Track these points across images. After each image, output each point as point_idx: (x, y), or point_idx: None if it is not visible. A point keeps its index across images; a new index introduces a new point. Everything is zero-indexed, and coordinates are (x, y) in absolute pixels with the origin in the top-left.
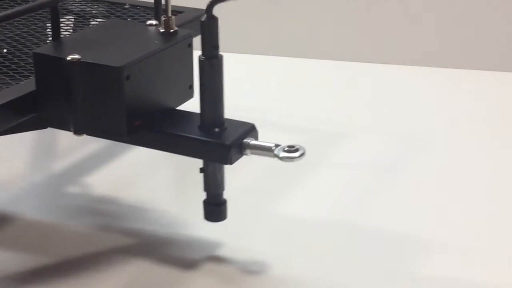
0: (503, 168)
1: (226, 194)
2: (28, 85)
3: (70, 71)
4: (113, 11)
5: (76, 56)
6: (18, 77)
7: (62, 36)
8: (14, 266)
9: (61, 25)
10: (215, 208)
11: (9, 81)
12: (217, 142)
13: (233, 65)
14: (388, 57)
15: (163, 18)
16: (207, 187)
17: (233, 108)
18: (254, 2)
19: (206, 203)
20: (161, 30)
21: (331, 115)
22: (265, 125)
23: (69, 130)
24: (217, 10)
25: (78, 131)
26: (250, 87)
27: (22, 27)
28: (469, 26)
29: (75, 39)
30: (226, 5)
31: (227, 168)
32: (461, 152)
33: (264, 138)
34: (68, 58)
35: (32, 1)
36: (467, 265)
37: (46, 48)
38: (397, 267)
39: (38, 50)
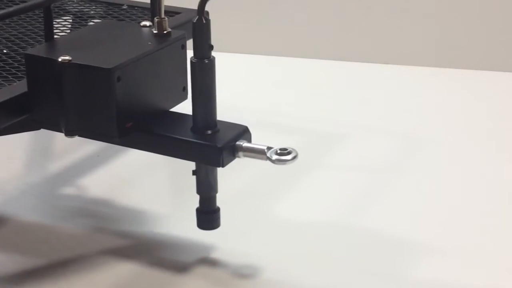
0: (503, 169)
1: (220, 196)
2: (20, 86)
3: (61, 73)
4: (111, 12)
5: (67, 58)
6: (11, 78)
7: (58, 36)
8: (8, 267)
9: (59, 25)
10: (208, 216)
11: (2, 82)
12: (209, 144)
13: (233, 65)
14: (388, 57)
15: (156, 19)
16: (199, 190)
17: (233, 108)
18: (254, 2)
19: (199, 211)
20: (154, 32)
21: (331, 115)
22: (263, 125)
23: (61, 131)
24: (217, 10)
25: (69, 133)
26: (249, 87)
27: (18, 27)
28: (469, 26)
29: (68, 40)
30: (226, 5)
31: (221, 169)
32: (461, 152)
33: (263, 139)
34: (59, 60)
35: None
36: (467, 267)
37: (37, 49)
38: (395, 270)
39: (29, 51)
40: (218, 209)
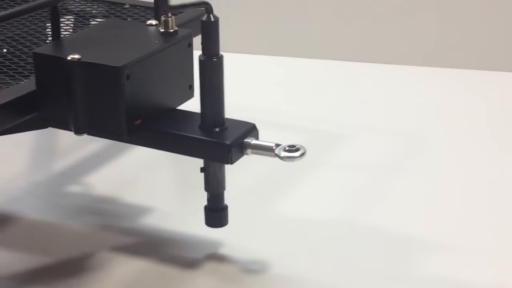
0: (503, 168)
1: (227, 194)
2: (28, 85)
3: (70, 71)
4: (113, 11)
5: (76, 56)
6: (18, 77)
7: (62, 36)
8: (15, 265)
9: (61, 25)
10: (216, 214)
11: (9, 81)
12: (217, 141)
13: (233, 65)
14: (388, 57)
15: (163, 18)
16: (207, 187)
17: (234, 108)
18: (254, 2)
19: (207, 209)
20: (161, 30)
21: (331, 115)
22: (265, 125)
23: (70, 130)
24: (218, 10)
25: (78, 131)
26: (250, 87)
27: (22, 27)
28: (469, 26)
29: (75, 38)
30: (226, 5)
31: (228, 167)
32: (461, 152)
33: (264, 138)
34: (68, 58)
35: (32, 1)
36: (467, 265)
37: (46, 48)
38: (397, 267)
39: (38, 50)
40: (226, 207)
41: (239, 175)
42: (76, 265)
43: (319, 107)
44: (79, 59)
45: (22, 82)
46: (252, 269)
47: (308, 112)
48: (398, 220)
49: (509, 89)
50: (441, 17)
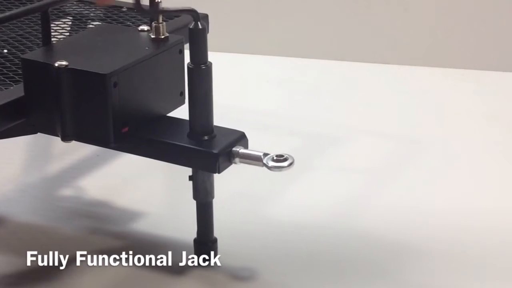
0: (503, 169)
1: (216, 198)
2: (17, 90)
3: (58, 78)
4: (110, 14)
5: (64, 63)
6: (9, 82)
7: (57, 39)
8: (5, 268)
9: (57, 28)
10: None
11: (0, 86)
12: (205, 150)
13: (233, 65)
14: (388, 57)
15: (153, 24)
16: (196, 195)
17: (233, 108)
18: (254, 2)
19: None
20: (152, 36)
21: (331, 116)
22: (262, 126)
23: (57, 136)
24: (217, 10)
25: (65, 138)
26: (249, 87)
27: (17, 29)
28: (469, 26)
29: (65, 44)
30: (226, 5)
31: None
32: (461, 152)
33: (263, 140)
34: (56, 65)
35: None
36: (465, 271)
37: (34, 54)
38: (391, 272)
39: (26, 55)
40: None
41: (229, 179)
42: (65, 269)
43: (316, 107)
44: (66, 65)
45: (12, 87)
46: (242, 275)
47: (307, 112)
48: (393, 225)
49: (509, 89)
50: (441, 16)
